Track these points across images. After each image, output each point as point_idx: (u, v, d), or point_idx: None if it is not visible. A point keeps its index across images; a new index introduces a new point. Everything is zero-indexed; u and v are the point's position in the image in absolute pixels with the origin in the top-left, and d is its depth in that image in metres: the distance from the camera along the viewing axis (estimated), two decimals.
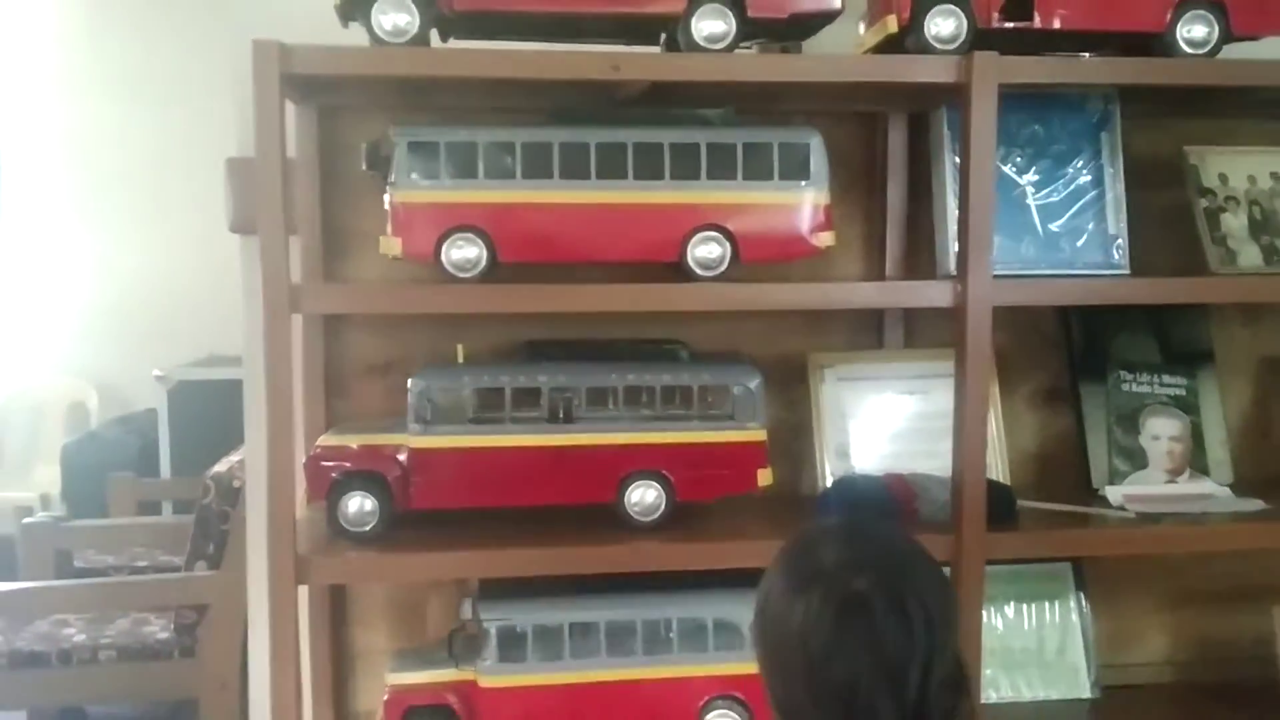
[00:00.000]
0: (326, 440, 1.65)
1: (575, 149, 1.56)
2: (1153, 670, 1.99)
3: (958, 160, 1.65)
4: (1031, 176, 1.76)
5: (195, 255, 4.48)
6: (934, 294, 1.62)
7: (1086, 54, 1.74)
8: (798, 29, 1.63)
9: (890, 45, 1.61)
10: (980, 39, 1.57)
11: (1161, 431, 1.87)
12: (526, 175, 1.56)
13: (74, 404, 4.89)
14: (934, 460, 1.72)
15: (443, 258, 1.55)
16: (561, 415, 1.61)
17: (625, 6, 1.54)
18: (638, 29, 1.61)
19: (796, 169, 1.60)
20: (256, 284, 1.49)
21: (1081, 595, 1.92)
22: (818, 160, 1.61)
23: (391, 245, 1.56)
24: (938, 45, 1.56)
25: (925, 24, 1.56)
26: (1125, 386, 1.88)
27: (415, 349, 1.80)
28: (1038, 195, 1.76)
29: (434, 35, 1.55)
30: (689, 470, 1.62)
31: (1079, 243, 1.75)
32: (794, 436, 1.87)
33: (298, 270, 1.67)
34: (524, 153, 1.55)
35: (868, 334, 1.90)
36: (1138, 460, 1.85)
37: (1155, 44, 1.61)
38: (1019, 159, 1.75)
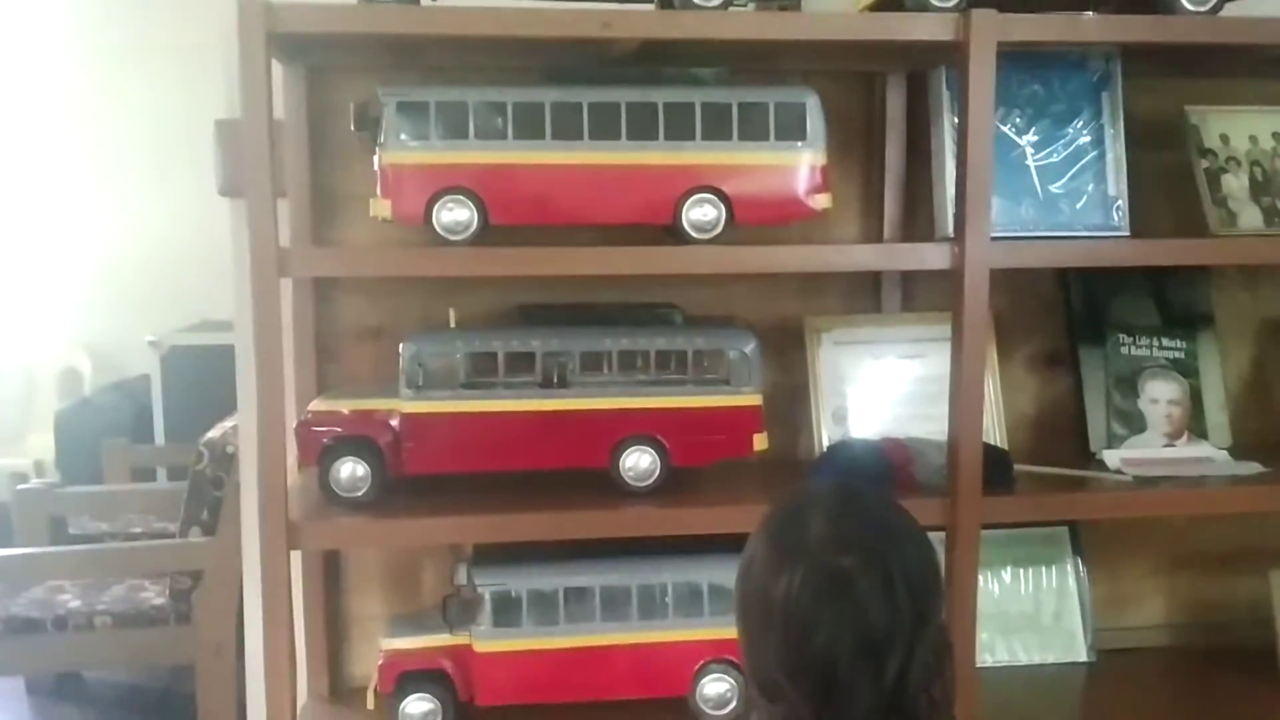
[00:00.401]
0: (318, 405, 1.63)
1: (567, 109, 1.53)
2: (1149, 634, 1.99)
3: (956, 121, 1.63)
4: (1031, 137, 1.73)
5: (188, 219, 4.44)
6: (931, 256, 1.60)
7: (1088, 12, 1.71)
8: None
9: (888, 3, 1.58)
10: None
11: (1160, 395, 1.86)
12: (518, 136, 1.53)
13: (67, 370, 4.88)
14: (931, 424, 1.71)
15: (433, 220, 1.53)
16: (555, 380, 1.59)
17: None
18: None
19: (792, 130, 1.58)
20: (246, 247, 1.47)
21: (1078, 559, 1.92)
22: (814, 121, 1.58)
23: (381, 208, 1.54)
24: (936, 2, 1.54)
25: None
26: (1124, 350, 1.87)
27: (406, 313, 1.79)
28: (1037, 156, 1.73)
29: None
30: (684, 435, 1.61)
31: (1078, 204, 1.73)
32: (790, 401, 1.86)
33: (286, 233, 1.65)
34: (515, 113, 1.53)
35: (864, 297, 1.89)
36: (1136, 424, 1.84)
37: (1157, 1, 1.58)
38: (1018, 119, 1.73)
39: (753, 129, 1.57)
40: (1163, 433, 1.84)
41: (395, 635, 1.67)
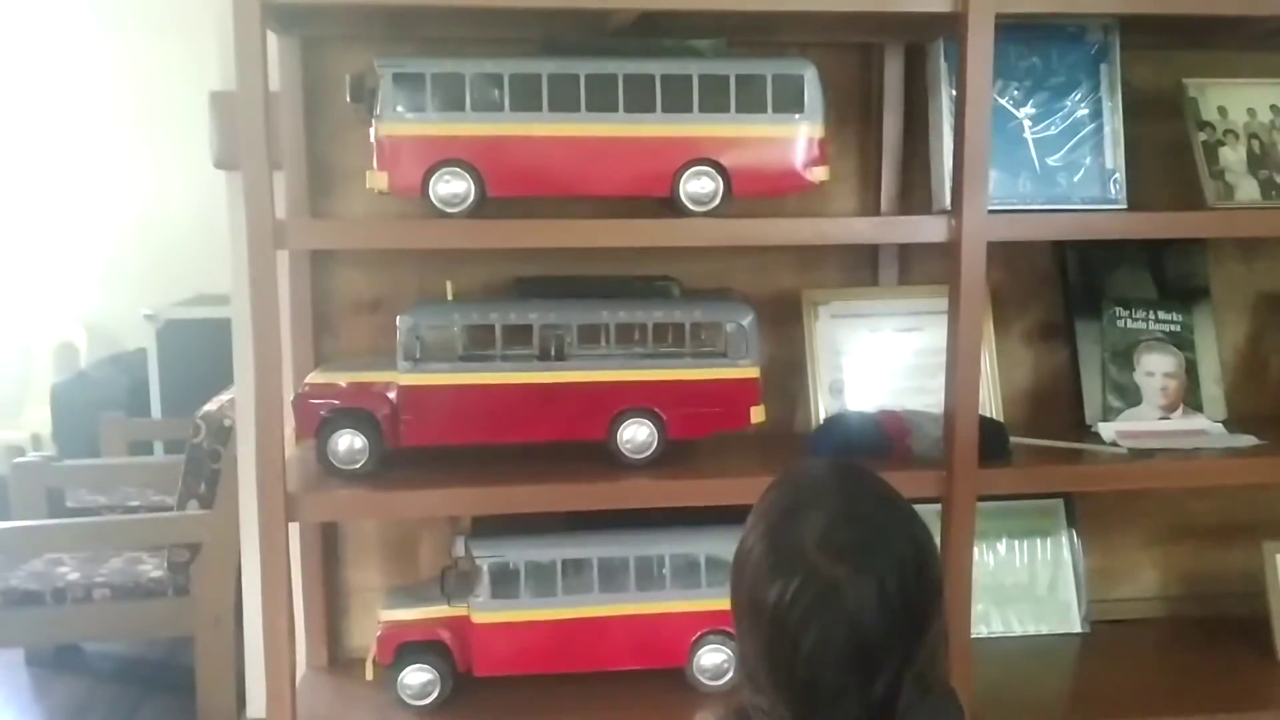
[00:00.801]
0: (315, 378, 1.64)
1: (565, 80, 1.53)
2: (1143, 605, 2.01)
3: (954, 93, 1.63)
4: (1029, 110, 1.73)
5: (184, 192, 4.45)
6: (929, 229, 1.60)
7: None
8: None
9: None
10: None
11: (1156, 368, 1.86)
12: (515, 107, 1.53)
13: (63, 344, 4.86)
14: (927, 397, 1.71)
15: (430, 192, 1.52)
16: (552, 352, 1.59)
17: None
18: None
19: (790, 102, 1.57)
20: (241, 220, 1.46)
21: (1073, 531, 1.93)
22: (812, 93, 1.58)
23: (378, 180, 1.54)
24: None
25: None
26: (1120, 323, 1.87)
27: (403, 286, 1.79)
28: (1035, 129, 1.73)
29: None
30: (681, 408, 1.61)
31: (1076, 177, 1.73)
32: (787, 374, 1.86)
33: (282, 206, 1.65)
34: (512, 84, 1.52)
35: (862, 270, 1.89)
36: (1131, 397, 1.85)
37: None
38: (1016, 92, 1.72)
39: (751, 101, 1.56)
40: (1158, 405, 1.85)
41: (394, 606, 1.68)
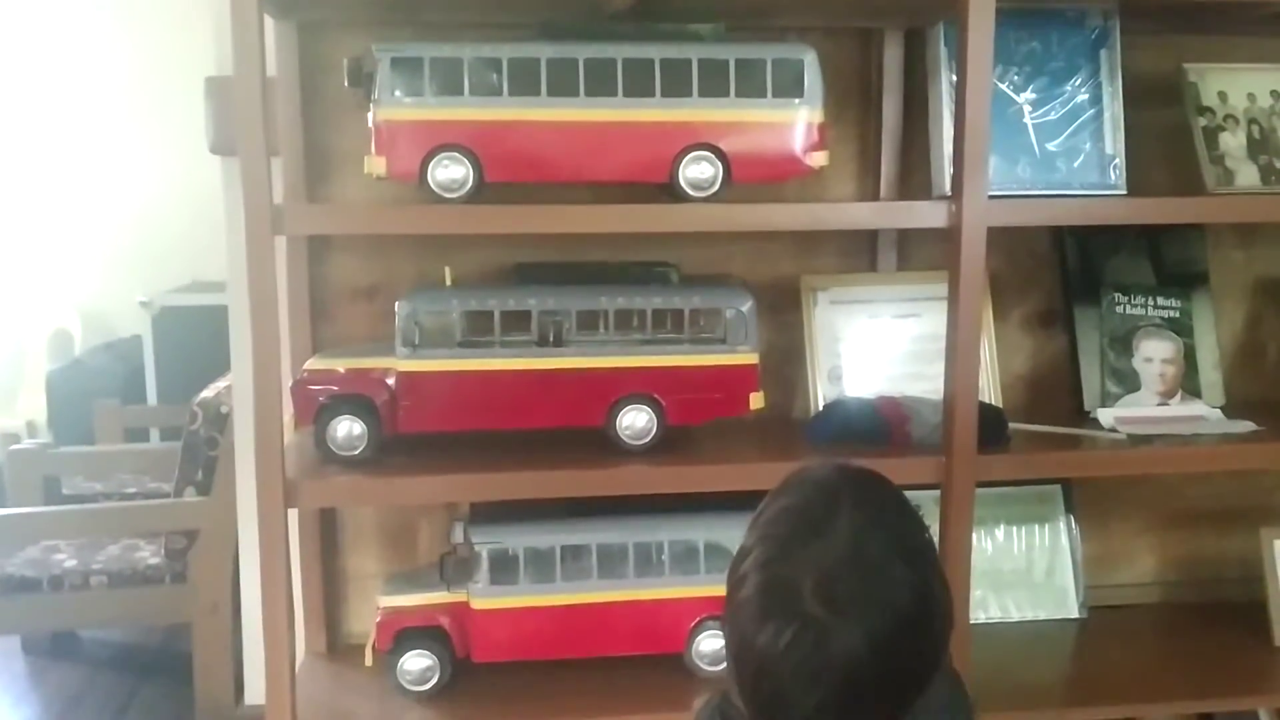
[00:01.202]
0: (313, 364, 1.63)
1: (563, 65, 1.52)
2: (1140, 591, 2.01)
3: (954, 78, 1.62)
4: (1029, 95, 1.73)
5: (178, 179, 4.42)
6: (928, 215, 1.59)
7: None
8: None
9: None
10: None
11: (1154, 354, 1.86)
12: (514, 92, 1.52)
13: (58, 331, 4.85)
14: (926, 383, 1.71)
15: (428, 178, 1.51)
16: (551, 339, 1.59)
17: None
18: None
19: (790, 86, 1.56)
20: (238, 206, 1.45)
21: (1071, 517, 1.93)
22: (812, 78, 1.57)
23: (376, 165, 1.53)
24: None
25: None
26: (1119, 309, 1.87)
27: (401, 272, 1.78)
28: (1035, 114, 1.73)
29: None
30: (680, 394, 1.61)
31: (1075, 163, 1.72)
32: (786, 360, 1.86)
33: (280, 191, 1.64)
34: (511, 69, 1.52)
35: (861, 256, 1.88)
36: (1130, 383, 1.85)
37: None
38: (1016, 77, 1.72)
39: (750, 86, 1.55)
40: (1156, 391, 1.85)
41: (393, 593, 1.68)
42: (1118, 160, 1.73)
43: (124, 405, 4.04)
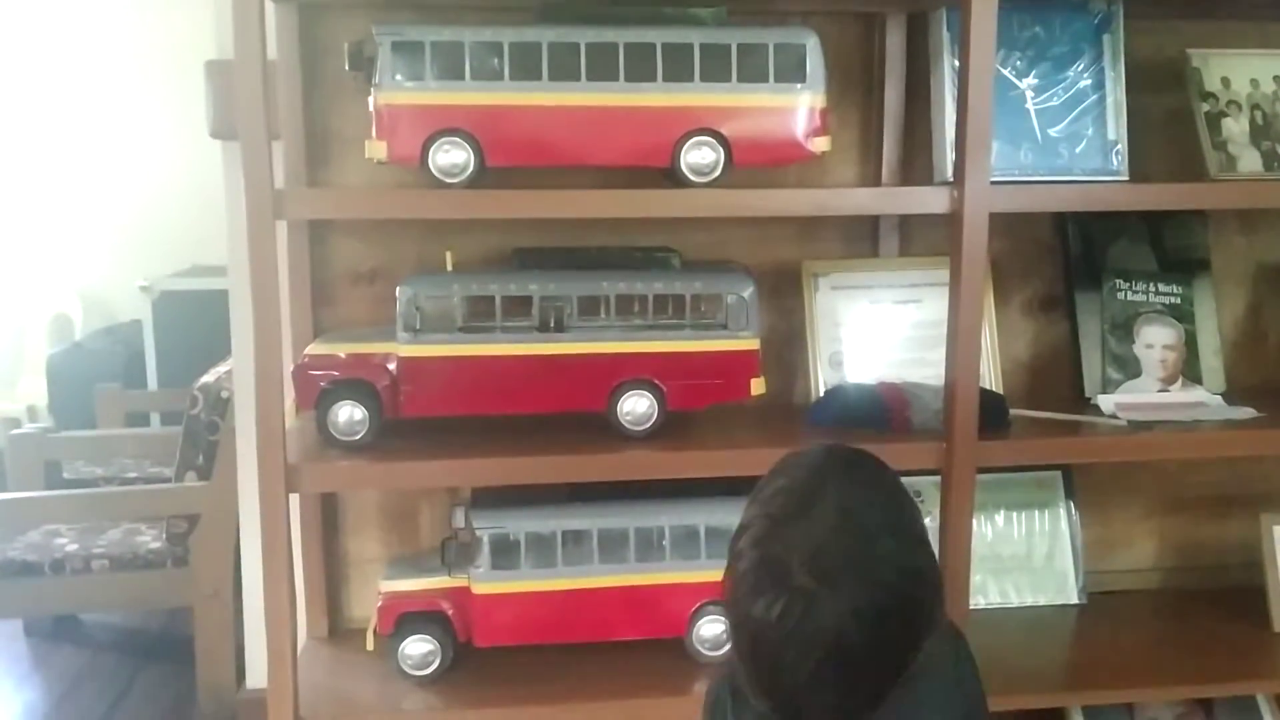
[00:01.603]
0: (314, 349, 1.63)
1: (564, 49, 1.52)
2: (1140, 576, 2.02)
3: (956, 63, 1.62)
4: (1031, 80, 1.72)
5: (179, 163, 4.41)
6: (930, 200, 1.59)
7: None
8: None
9: None
10: None
11: (1155, 340, 1.86)
12: (515, 76, 1.52)
13: (58, 315, 4.85)
14: (927, 368, 1.71)
15: (429, 162, 1.51)
16: (552, 324, 1.59)
17: None
18: None
19: (792, 71, 1.56)
20: (239, 190, 1.45)
21: (1071, 503, 1.94)
22: (814, 62, 1.57)
23: (377, 149, 1.53)
24: None
25: None
26: (1120, 295, 1.87)
27: (402, 256, 1.78)
28: (1037, 99, 1.72)
29: None
30: (681, 379, 1.61)
31: (1078, 148, 1.72)
32: (787, 345, 1.86)
33: (280, 175, 1.64)
34: (512, 53, 1.51)
35: (862, 241, 1.88)
36: (1131, 369, 1.85)
37: None
38: (1019, 62, 1.71)
39: (752, 70, 1.55)
40: (1157, 377, 1.85)
41: (394, 577, 1.68)
42: (1120, 146, 1.72)
43: (125, 390, 4.03)
